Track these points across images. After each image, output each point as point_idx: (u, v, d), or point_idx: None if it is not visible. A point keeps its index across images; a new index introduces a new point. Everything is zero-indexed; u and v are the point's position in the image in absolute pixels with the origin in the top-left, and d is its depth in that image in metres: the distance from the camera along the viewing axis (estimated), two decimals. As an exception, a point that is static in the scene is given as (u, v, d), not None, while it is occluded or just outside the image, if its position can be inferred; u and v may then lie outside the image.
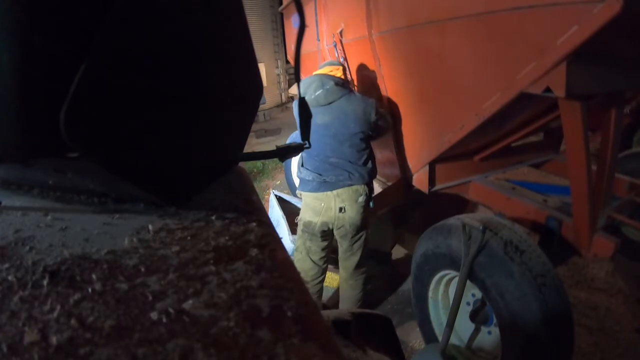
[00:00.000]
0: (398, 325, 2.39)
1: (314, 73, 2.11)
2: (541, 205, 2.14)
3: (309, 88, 2.00)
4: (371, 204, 2.18)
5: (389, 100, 2.41)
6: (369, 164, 2.10)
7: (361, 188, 2.08)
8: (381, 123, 2.10)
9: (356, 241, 2.19)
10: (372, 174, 2.15)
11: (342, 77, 2.08)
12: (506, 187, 2.37)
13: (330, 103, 1.99)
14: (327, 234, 2.20)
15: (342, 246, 2.22)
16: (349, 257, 2.24)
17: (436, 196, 2.51)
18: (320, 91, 1.98)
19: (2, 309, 0.26)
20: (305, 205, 2.19)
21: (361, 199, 2.08)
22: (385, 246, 2.99)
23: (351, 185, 2.05)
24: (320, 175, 2.06)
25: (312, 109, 2.02)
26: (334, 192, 2.06)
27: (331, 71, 2.08)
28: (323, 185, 2.06)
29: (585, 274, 2.66)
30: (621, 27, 1.22)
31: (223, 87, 0.44)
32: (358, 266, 2.25)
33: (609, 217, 2.03)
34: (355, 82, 2.59)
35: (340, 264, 2.31)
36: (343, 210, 2.08)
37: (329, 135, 2.00)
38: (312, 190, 2.10)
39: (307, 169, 2.12)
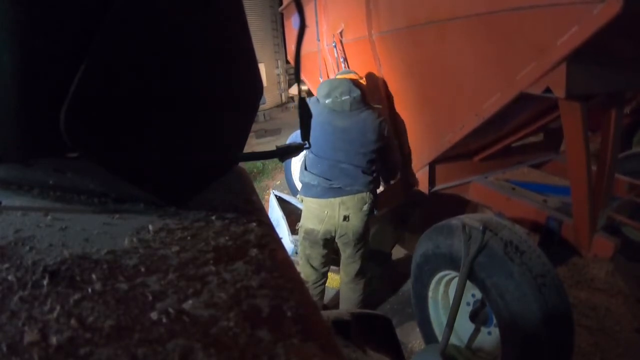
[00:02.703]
0: (398, 325, 2.39)
1: (338, 76, 2.10)
2: (541, 206, 2.14)
3: (334, 90, 1.97)
4: (375, 211, 2.17)
5: (389, 100, 2.41)
6: (376, 175, 2.10)
7: (366, 196, 2.05)
8: (389, 146, 2.10)
9: (359, 249, 2.17)
10: (377, 184, 2.15)
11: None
12: (506, 188, 2.37)
13: (353, 110, 1.98)
14: (329, 242, 2.16)
15: (345, 253, 2.19)
16: (351, 264, 2.21)
17: (436, 196, 2.51)
18: (347, 97, 1.96)
19: (2, 309, 0.26)
20: (307, 212, 2.11)
21: (366, 207, 2.06)
22: (385, 246, 2.98)
23: (358, 192, 2.02)
24: (327, 180, 2.00)
25: (334, 112, 1.99)
26: (339, 199, 2.01)
27: (360, 78, 2.09)
28: (329, 191, 2.00)
29: (585, 274, 2.66)
30: (621, 27, 1.22)
31: (223, 87, 0.44)
32: (360, 272, 2.23)
33: (609, 217, 2.03)
34: None
35: (341, 268, 2.29)
36: (347, 219, 2.04)
37: (346, 140, 1.97)
38: (315, 196, 2.03)
39: (313, 172, 2.03)
